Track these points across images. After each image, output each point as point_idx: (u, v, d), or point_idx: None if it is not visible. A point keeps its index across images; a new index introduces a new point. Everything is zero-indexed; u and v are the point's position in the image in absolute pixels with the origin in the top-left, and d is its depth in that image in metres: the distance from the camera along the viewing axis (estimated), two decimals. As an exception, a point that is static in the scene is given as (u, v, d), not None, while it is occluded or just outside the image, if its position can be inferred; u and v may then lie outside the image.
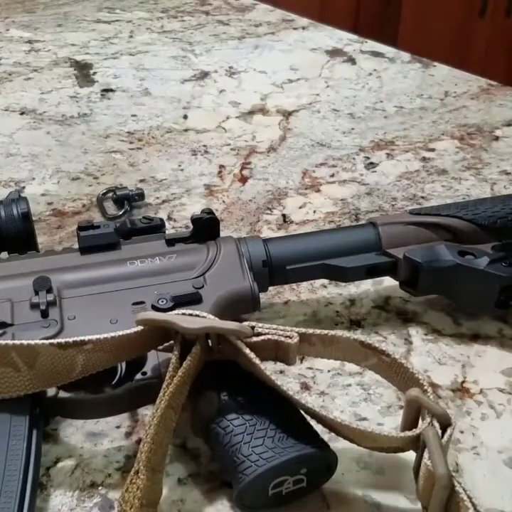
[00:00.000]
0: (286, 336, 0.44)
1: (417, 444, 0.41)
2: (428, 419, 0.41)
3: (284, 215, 0.73)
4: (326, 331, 0.45)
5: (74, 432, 0.49)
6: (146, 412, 0.50)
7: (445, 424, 0.41)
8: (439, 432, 0.40)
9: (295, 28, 1.21)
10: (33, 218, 0.69)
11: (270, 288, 0.59)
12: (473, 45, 2.00)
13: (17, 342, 0.42)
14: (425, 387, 0.42)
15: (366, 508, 0.45)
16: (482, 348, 0.57)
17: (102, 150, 0.84)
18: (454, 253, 0.55)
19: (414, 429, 0.41)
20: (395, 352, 0.44)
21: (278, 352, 0.44)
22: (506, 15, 1.98)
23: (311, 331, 0.45)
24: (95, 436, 0.49)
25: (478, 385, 0.53)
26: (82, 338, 0.43)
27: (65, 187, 0.77)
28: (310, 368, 0.54)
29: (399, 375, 0.44)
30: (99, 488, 0.46)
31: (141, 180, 0.78)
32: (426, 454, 0.39)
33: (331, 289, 0.63)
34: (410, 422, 0.43)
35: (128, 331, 0.43)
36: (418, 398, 0.41)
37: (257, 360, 0.43)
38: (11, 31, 1.19)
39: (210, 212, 0.56)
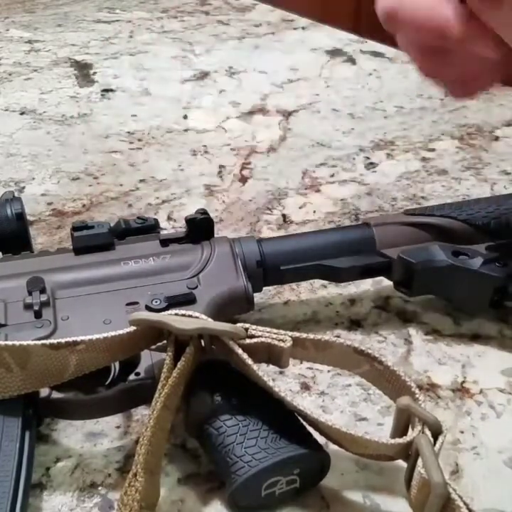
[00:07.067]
0: (280, 340, 0.44)
1: (407, 453, 0.41)
2: (419, 427, 0.40)
3: (284, 215, 0.73)
4: (319, 336, 0.44)
5: (73, 432, 0.49)
6: (146, 412, 0.49)
7: (436, 432, 0.40)
8: (431, 439, 0.40)
9: (295, 28, 1.21)
10: (33, 218, 0.70)
11: (270, 288, 0.59)
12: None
13: (9, 342, 0.42)
14: (417, 395, 0.42)
15: (366, 508, 0.44)
16: (482, 348, 0.56)
17: (102, 150, 0.84)
18: (447, 253, 0.55)
19: (404, 437, 0.41)
20: (388, 358, 0.44)
21: (271, 355, 0.44)
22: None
23: (304, 335, 0.44)
24: (95, 436, 0.49)
25: (478, 385, 0.53)
26: (74, 338, 0.42)
27: (65, 187, 0.77)
28: (310, 368, 0.54)
29: (391, 383, 0.44)
30: (99, 488, 0.45)
31: (141, 180, 0.78)
32: (419, 462, 0.39)
33: (331, 289, 0.62)
34: (400, 431, 0.42)
35: (121, 332, 0.43)
36: (409, 406, 0.41)
37: (249, 361, 0.42)
38: (11, 31, 1.19)
39: (204, 212, 0.56)
